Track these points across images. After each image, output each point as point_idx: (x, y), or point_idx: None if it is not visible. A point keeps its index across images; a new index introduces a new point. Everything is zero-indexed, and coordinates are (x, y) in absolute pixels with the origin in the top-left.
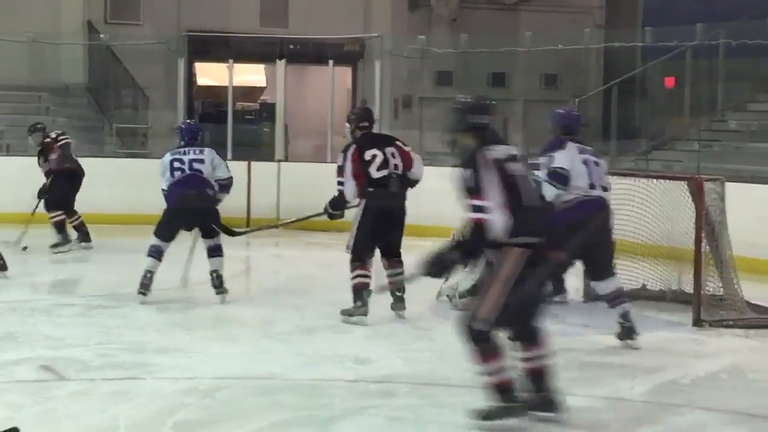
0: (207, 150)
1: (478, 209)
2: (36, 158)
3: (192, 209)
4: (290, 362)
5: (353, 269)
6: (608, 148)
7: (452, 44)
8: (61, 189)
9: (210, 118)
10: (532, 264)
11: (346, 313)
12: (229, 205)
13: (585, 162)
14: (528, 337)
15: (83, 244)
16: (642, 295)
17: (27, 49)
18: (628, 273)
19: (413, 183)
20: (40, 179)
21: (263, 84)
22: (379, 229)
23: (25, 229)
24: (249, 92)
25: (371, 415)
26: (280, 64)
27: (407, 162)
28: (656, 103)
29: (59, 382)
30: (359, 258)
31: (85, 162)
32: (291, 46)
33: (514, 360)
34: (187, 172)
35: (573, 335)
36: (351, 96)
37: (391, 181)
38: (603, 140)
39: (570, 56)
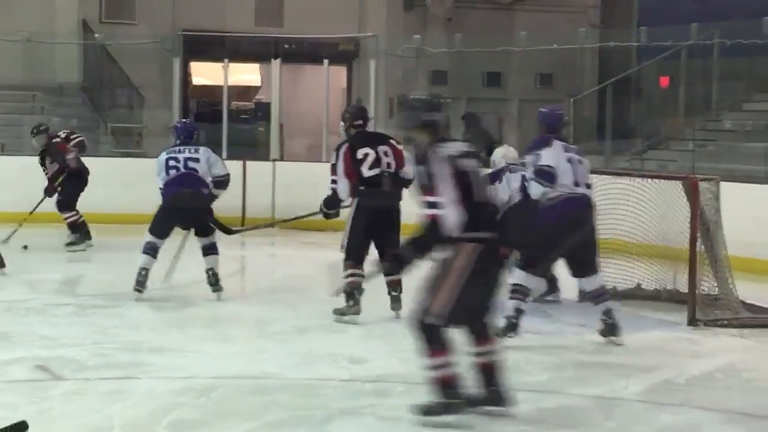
0: (202, 149)
1: (431, 205)
2: (38, 159)
3: (186, 208)
4: (285, 362)
5: (346, 268)
6: (603, 147)
7: (447, 44)
8: (73, 189)
9: (205, 117)
10: (484, 259)
11: (339, 312)
12: (225, 205)
13: (570, 160)
14: (480, 332)
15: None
16: (637, 294)
17: (22, 48)
18: (623, 272)
19: (407, 182)
20: (35, 179)
21: (258, 83)
22: (373, 229)
23: (18, 227)
24: (244, 92)
25: (366, 414)
26: (275, 63)
27: (400, 160)
28: (651, 102)
29: (54, 382)
30: (352, 257)
31: None
32: (286, 46)
33: (463, 355)
34: (182, 170)
35: (568, 334)
36: (346, 95)
37: (384, 180)
38: (598, 140)
39: (565, 56)
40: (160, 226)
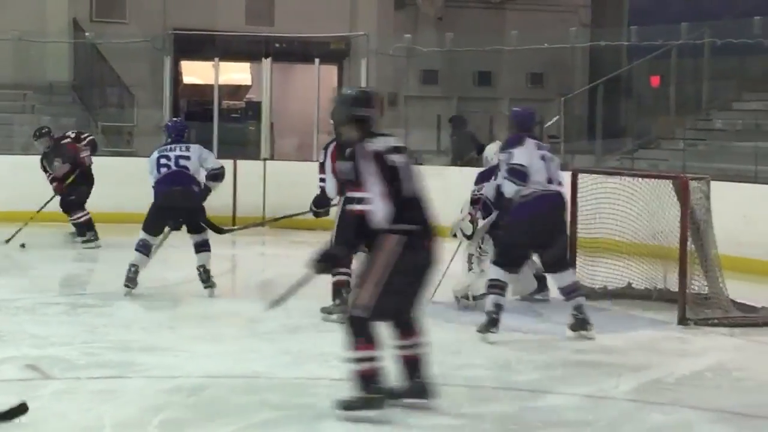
0: (193, 146)
1: (358, 201)
2: (40, 161)
3: (177, 207)
4: (276, 361)
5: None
6: (594, 146)
7: (438, 43)
8: (85, 188)
9: (196, 116)
10: (409, 251)
11: (326, 311)
12: (215, 204)
13: (542, 158)
14: (406, 325)
15: (78, 239)
16: (628, 293)
17: (12, 47)
18: (613, 272)
19: None
20: (25, 177)
21: (249, 82)
22: (361, 227)
23: (23, 226)
24: (235, 91)
25: (356, 413)
26: (266, 62)
27: None
28: (642, 102)
29: (44, 381)
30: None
31: None
32: (277, 45)
33: (389, 349)
34: (173, 168)
35: (558, 334)
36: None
37: None
38: (589, 139)
39: (556, 55)
40: (153, 224)
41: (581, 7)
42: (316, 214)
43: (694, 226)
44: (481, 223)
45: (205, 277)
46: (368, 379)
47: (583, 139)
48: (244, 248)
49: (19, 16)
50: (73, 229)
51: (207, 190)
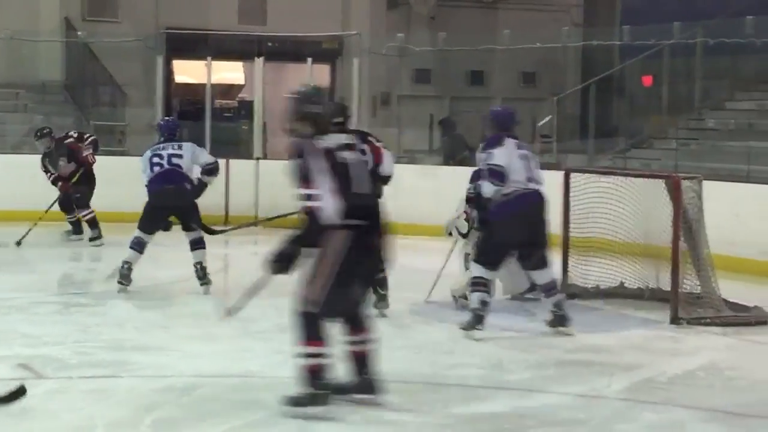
0: (185, 145)
1: (307, 197)
2: (41, 161)
3: (170, 206)
4: (269, 360)
5: None
6: (586, 146)
7: (431, 42)
8: (89, 187)
9: (188, 115)
10: (356, 246)
11: None
12: (208, 203)
13: (523, 157)
14: (354, 321)
15: (73, 237)
16: (620, 293)
17: (5, 46)
18: (606, 271)
19: (384, 179)
20: (17, 176)
21: (241, 81)
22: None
23: (33, 226)
24: (227, 90)
25: (350, 413)
26: (259, 61)
27: (377, 157)
28: (634, 101)
29: (36, 381)
30: None
31: None
32: (269, 44)
33: (338, 345)
34: (166, 167)
35: (550, 333)
36: (329, 94)
37: None
38: (581, 138)
39: (548, 54)
40: (147, 222)
41: (574, 6)
42: None
43: (687, 225)
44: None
45: (202, 274)
46: (315, 375)
47: (576, 138)
48: (236, 248)
49: (11, 15)
50: (68, 227)
51: (203, 185)
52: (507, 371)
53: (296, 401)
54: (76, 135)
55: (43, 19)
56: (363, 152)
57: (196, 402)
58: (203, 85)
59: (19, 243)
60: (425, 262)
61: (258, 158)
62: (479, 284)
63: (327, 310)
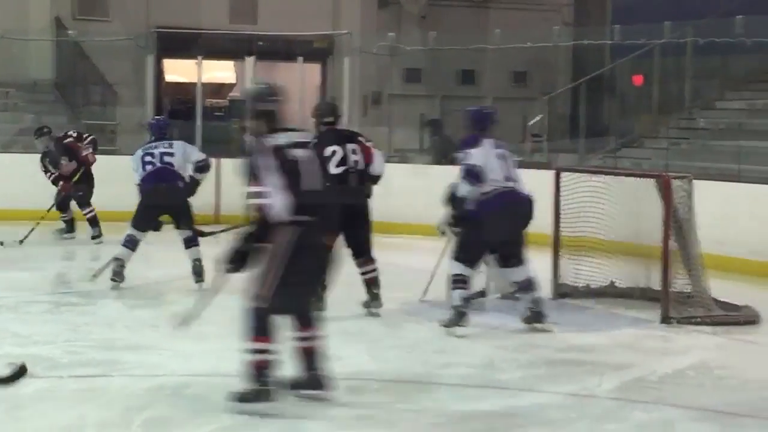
0: (176, 143)
1: (257, 195)
2: (41, 161)
3: (163, 204)
4: None
5: None
6: (577, 145)
7: (422, 41)
8: (89, 186)
9: (179, 114)
10: (304, 242)
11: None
12: (199, 203)
13: (500, 156)
14: (303, 317)
15: (66, 235)
16: (610, 292)
17: None
18: (596, 270)
19: (375, 178)
20: (10, 175)
21: (232, 81)
22: (341, 226)
23: (35, 225)
24: (218, 89)
25: (340, 412)
26: (250, 60)
27: (368, 157)
28: (625, 100)
29: (26, 380)
30: None
31: None
32: (260, 43)
33: (286, 341)
34: (158, 165)
35: (540, 332)
36: (320, 93)
37: (350, 177)
38: (572, 138)
39: (539, 54)
40: (141, 220)
41: (564, 5)
42: None
43: (677, 224)
44: None
45: (199, 271)
46: (261, 372)
47: (567, 137)
48: (226, 247)
49: (2, 14)
50: (62, 225)
51: (195, 183)
52: (498, 370)
53: (241, 397)
54: (75, 134)
55: (34, 17)
56: (353, 152)
57: (186, 401)
58: (194, 84)
59: (21, 242)
60: (417, 261)
61: None
62: (459, 281)
63: (276, 306)
